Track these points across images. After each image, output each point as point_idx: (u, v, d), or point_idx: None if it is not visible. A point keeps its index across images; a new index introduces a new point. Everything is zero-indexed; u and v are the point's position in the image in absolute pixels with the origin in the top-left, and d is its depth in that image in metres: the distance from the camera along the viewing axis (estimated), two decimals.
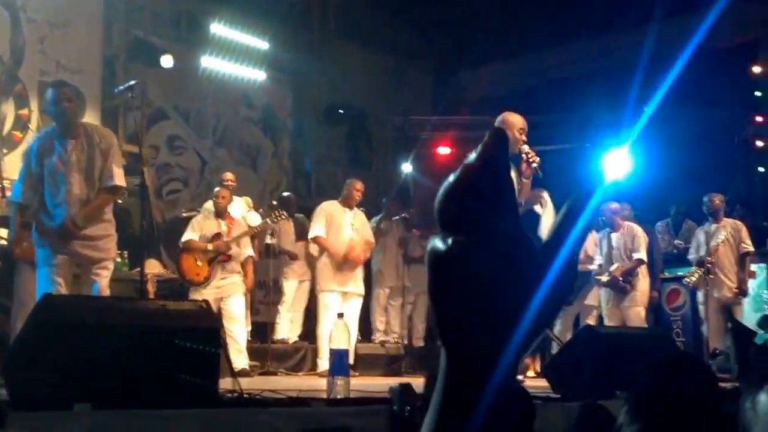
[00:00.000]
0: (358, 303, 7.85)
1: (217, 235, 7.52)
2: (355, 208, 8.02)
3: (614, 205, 8.41)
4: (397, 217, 9.87)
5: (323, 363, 7.25)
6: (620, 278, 8.06)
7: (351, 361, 7.27)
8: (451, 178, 0.73)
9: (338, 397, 4.10)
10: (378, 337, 9.72)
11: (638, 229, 8.27)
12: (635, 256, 8.08)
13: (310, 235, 7.89)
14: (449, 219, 0.71)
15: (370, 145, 12.32)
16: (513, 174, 5.89)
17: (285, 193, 9.95)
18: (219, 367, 3.78)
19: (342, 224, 7.77)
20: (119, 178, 5.31)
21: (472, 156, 0.72)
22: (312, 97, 11.66)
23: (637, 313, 8.03)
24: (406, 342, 9.73)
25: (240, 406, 3.71)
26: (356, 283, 7.77)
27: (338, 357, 4.18)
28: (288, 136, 11.83)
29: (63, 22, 9.03)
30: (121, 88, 6.14)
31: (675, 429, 1.89)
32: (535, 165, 5.73)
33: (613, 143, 9.85)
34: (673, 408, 1.90)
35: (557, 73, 11.78)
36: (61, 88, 5.38)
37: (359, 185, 7.97)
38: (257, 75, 10.67)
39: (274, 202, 9.37)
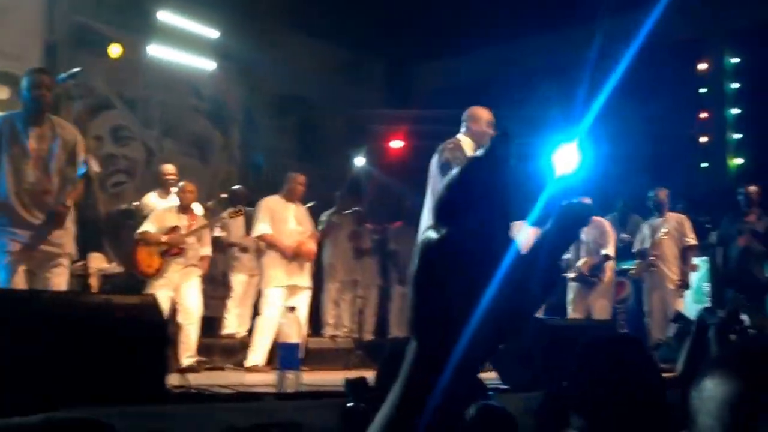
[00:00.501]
0: (306, 297, 7.74)
1: (174, 228, 7.37)
2: (297, 202, 7.86)
3: (586, 200, 8.51)
4: (348, 211, 9.84)
5: (254, 357, 7.18)
6: (587, 273, 8.16)
7: (301, 355, 7.25)
8: (455, 171, 0.74)
9: (289, 391, 4.05)
10: (328, 331, 9.68)
11: (607, 224, 8.41)
12: (603, 251, 8.22)
13: (255, 233, 7.70)
14: (447, 210, 0.73)
15: (322, 138, 12.23)
16: None
17: (235, 186, 9.83)
18: (166, 362, 3.70)
19: (286, 219, 7.63)
20: (95, 165, 5.25)
21: (478, 152, 0.74)
22: (263, 88, 11.52)
23: (603, 306, 8.19)
24: (356, 336, 9.71)
25: (189, 402, 3.64)
26: (304, 277, 7.65)
27: (288, 351, 4.14)
28: (238, 127, 11.66)
29: (1, 6, 8.76)
30: (64, 75, 5.99)
31: (621, 417, 1.89)
32: None
33: (563, 138, 9.97)
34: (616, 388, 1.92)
35: (508, 68, 11.83)
36: (41, 75, 5.26)
37: (302, 179, 7.83)
38: (206, 65, 10.49)
39: (224, 195, 9.24)
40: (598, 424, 1.95)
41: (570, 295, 8.43)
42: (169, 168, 8.67)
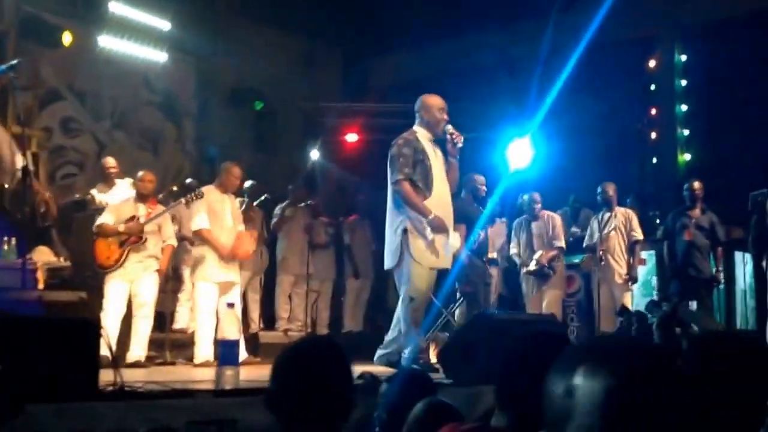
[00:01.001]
0: (236, 292, 7.58)
1: (132, 218, 7.27)
2: (231, 195, 7.69)
3: (536, 195, 8.63)
4: (302, 204, 9.81)
5: (201, 353, 7.10)
6: (546, 264, 8.34)
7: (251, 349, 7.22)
8: None
9: (226, 387, 4.03)
10: (282, 324, 9.67)
11: (558, 218, 8.63)
12: (556, 243, 8.41)
13: (193, 227, 7.45)
14: None
15: (277, 131, 12.17)
16: (439, 155, 5.94)
17: (188, 180, 9.73)
18: (98, 359, 3.67)
19: (222, 212, 7.43)
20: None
21: None
22: (216, 80, 11.42)
23: (556, 296, 8.39)
24: (309, 330, 9.69)
25: (121, 400, 3.60)
26: (235, 272, 7.46)
27: (227, 347, 4.12)
28: (191, 120, 11.55)
29: None
30: (3, 67, 5.87)
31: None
32: (459, 144, 5.80)
33: (516, 133, 10.04)
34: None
35: (463, 63, 11.87)
36: None
37: (237, 171, 7.61)
38: (158, 56, 10.36)
39: (174, 188, 9.15)
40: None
41: (526, 290, 8.52)
42: (110, 161, 8.57)
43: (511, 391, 2.00)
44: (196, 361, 7.10)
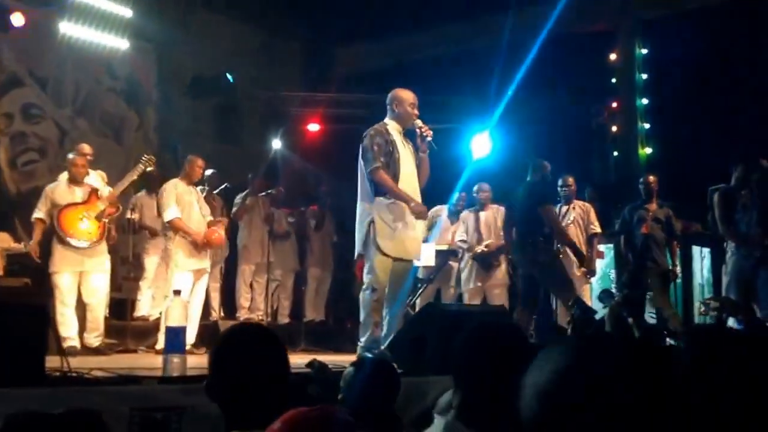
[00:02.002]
0: (206, 279, 7.78)
1: (94, 193, 7.22)
2: (195, 186, 7.83)
3: (485, 185, 8.67)
4: (263, 194, 9.81)
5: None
6: (494, 251, 8.36)
7: (193, 338, 7.22)
8: None
9: (173, 374, 4.05)
10: (242, 314, 9.67)
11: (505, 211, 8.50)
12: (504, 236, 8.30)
13: (166, 218, 7.52)
14: None
15: (239, 120, 12.14)
16: (409, 148, 5.99)
17: (149, 168, 9.70)
18: (46, 345, 3.68)
19: (191, 203, 7.58)
20: None
21: None
22: (178, 69, 11.36)
23: (501, 292, 8.37)
24: (270, 319, 9.71)
25: (66, 385, 3.62)
26: (206, 261, 7.64)
27: (174, 334, 4.14)
28: (153, 108, 11.50)
29: None
30: None
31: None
32: (429, 139, 5.86)
33: (477, 125, 10.12)
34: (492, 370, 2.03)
35: (425, 54, 11.91)
36: None
37: (201, 162, 7.76)
38: (120, 43, 10.29)
39: (135, 177, 9.10)
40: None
41: (465, 278, 8.54)
42: (86, 148, 8.31)
43: (465, 374, 2.09)
44: (158, 347, 7.08)
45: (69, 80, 10.49)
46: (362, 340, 5.77)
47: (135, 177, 7.73)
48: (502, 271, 8.49)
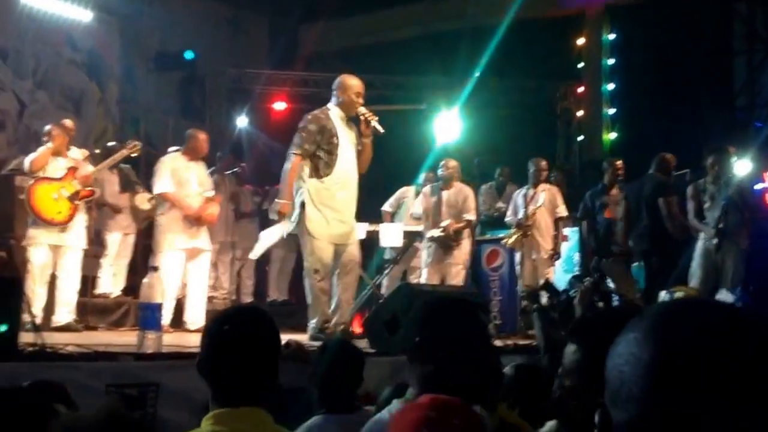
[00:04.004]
0: (207, 258, 7.50)
1: (71, 171, 6.97)
2: (199, 161, 7.56)
3: (453, 163, 8.49)
4: (228, 172, 9.71)
5: (192, 319, 7.08)
6: (452, 234, 8.16)
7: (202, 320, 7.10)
8: None
9: (148, 351, 4.00)
10: (207, 292, 9.57)
11: (469, 191, 8.40)
12: (466, 216, 8.22)
13: (156, 190, 7.33)
14: None
15: (203, 96, 11.99)
16: (353, 134, 6.03)
17: (110, 143, 9.53)
18: (19, 320, 3.60)
19: (188, 179, 7.31)
20: None
21: None
22: (142, 42, 11.17)
23: (457, 272, 8.20)
24: (234, 297, 9.65)
25: (41, 360, 3.56)
26: (203, 239, 7.35)
27: (150, 311, 4.09)
28: (116, 81, 11.29)
29: None
30: None
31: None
32: (373, 123, 5.88)
33: (444, 106, 10.13)
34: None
35: (393, 35, 11.87)
36: None
37: (203, 135, 7.54)
38: (82, 15, 10.07)
39: (97, 151, 8.94)
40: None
41: (425, 258, 8.41)
42: (68, 123, 8.06)
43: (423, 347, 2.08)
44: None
45: (29, 52, 10.28)
46: (312, 322, 5.85)
47: (117, 160, 7.52)
48: (462, 251, 8.33)
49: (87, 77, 11.01)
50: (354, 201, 6.07)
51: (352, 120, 6.05)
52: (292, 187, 5.86)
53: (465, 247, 8.36)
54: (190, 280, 7.32)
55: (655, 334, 0.93)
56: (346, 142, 5.92)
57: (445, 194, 8.39)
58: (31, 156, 6.97)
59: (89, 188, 7.11)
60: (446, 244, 8.24)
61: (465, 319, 2.11)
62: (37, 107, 10.05)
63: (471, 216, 8.30)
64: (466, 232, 8.38)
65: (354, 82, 6.01)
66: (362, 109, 5.94)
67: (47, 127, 7.25)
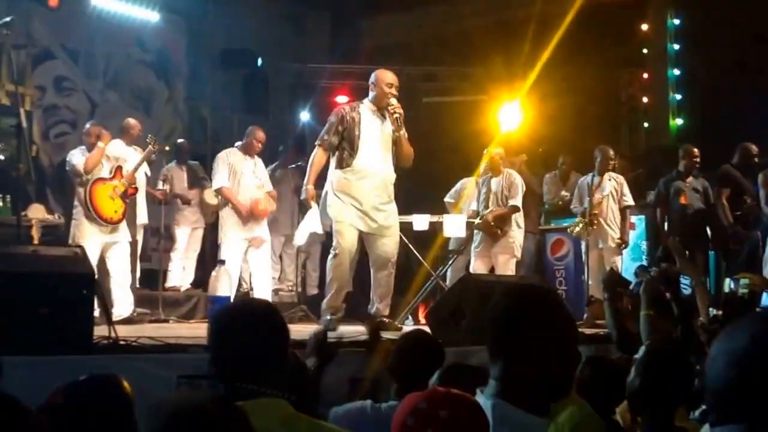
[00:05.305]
0: (267, 248, 7.73)
1: (119, 169, 7.26)
2: (256, 157, 7.82)
3: (495, 150, 8.39)
4: (293, 166, 9.83)
5: None
6: (492, 222, 8.09)
7: None
8: None
9: None
10: (272, 285, 9.72)
11: (517, 177, 8.29)
12: (511, 202, 8.13)
13: (214, 185, 7.65)
14: None
15: (267, 92, 12.14)
16: (385, 127, 6.11)
17: (179, 140, 9.79)
18: (92, 314, 3.74)
19: (244, 174, 7.58)
20: None
21: None
22: (207, 41, 11.37)
23: (505, 261, 8.09)
24: (300, 290, 9.76)
25: (114, 353, 3.68)
26: (263, 229, 7.63)
27: (219, 303, 4.18)
28: (183, 80, 11.54)
29: None
30: None
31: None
32: (396, 116, 5.97)
33: (507, 96, 10.05)
34: None
35: (454, 26, 11.84)
36: None
37: (261, 134, 7.77)
38: (150, 16, 10.32)
39: (167, 148, 9.17)
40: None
41: (473, 246, 8.34)
42: (134, 122, 8.35)
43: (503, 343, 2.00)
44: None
45: (100, 53, 10.56)
46: (325, 301, 6.15)
47: (145, 159, 7.74)
48: (508, 240, 8.18)
49: (155, 76, 11.28)
50: (383, 193, 6.12)
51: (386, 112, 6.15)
52: (314, 175, 6.18)
53: (513, 236, 8.21)
54: (254, 270, 7.55)
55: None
56: (374, 134, 6.04)
57: (493, 182, 8.33)
58: (85, 156, 7.20)
59: (134, 186, 7.35)
60: (491, 232, 8.19)
61: (553, 309, 2.00)
62: (107, 107, 10.34)
63: (515, 202, 8.18)
64: (514, 221, 8.27)
65: (386, 75, 6.15)
66: (393, 101, 6.04)
67: (89, 126, 7.50)
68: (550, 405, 1.93)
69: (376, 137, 6.06)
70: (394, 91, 6.06)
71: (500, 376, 1.91)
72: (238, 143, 8.06)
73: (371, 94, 6.15)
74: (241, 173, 7.57)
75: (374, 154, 6.03)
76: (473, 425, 1.67)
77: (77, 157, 7.20)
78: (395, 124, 6.07)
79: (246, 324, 2.10)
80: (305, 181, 6.30)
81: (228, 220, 7.48)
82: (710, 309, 4.73)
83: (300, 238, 6.96)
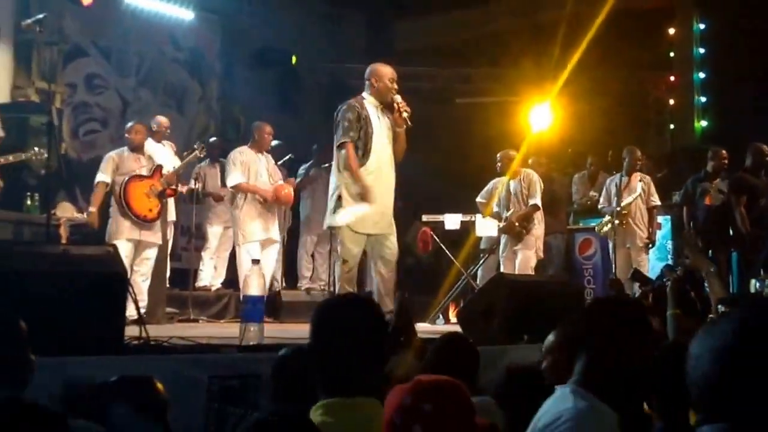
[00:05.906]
0: (275, 249, 7.81)
1: (158, 169, 7.30)
2: (266, 153, 7.82)
3: (512, 152, 8.37)
4: (326, 165, 9.79)
5: None
6: (517, 223, 8.10)
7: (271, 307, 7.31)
8: None
9: (250, 343, 4.08)
10: (304, 284, 9.72)
11: (535, 176, 8.31)
12: (531, 201, 8.14)
13: (230, 183, 7.64)
14: None
15: (301, 92, 12.15)
16: (386, 123, 5.99)
17: (212, 138, 9.80)
18: (125, 314, 3.73)
19: (258, 171, 7.64)
20: None
21: None
22: (241, 40, 11.41)
23: (526, 257, 8.08)
24: (331, 289, 9.75)
25: (146, 353, 3.67)
26: (276, 230, 7.71)
27: (252, 303, 4.17)
28: (216, 79, 11.57)
29: None
30: (28, 21, 5.86)
31: None
32: (405, 114, 5.81)
33: (538, 97, 10.05)
34: None
35: (487, 29, 11.87)
36: None
37: (269, 127, 7.80)
38: (184, 14, 10.36)
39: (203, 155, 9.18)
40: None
41: (502, 243, 8.32)
42: (164, 120, 8.43)
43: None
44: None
45: (132, 51, 10.57)
46: None
47: (190, 161, 7.80)
48: (531, 237, 8.17)
49: (189, 75, 11.30)
50: (389, 191, 5.97)
51: (387, 108, 5.99)
52: (359, 172, 5.73)
53: (536, 232, 8.24)
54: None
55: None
56: (380, 131, 5.87)
57: (512, 184, 8.34)
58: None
59: (173, 187, 7.38)
60: (516, 233, 8.16)
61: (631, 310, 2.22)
62: (140, 105, 10.36)
63: (535, 200, 8.18)
64: (537, 218, 8.28)
65: (387, 69, 5.95)
66: (398, 97, 5.84)
67: (133, 124, 7.54)
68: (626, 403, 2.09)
69: (384, 135, 5.87)
70: (396, 85, 5.89)
71: (582, 370, 2.09)
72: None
73: (371, 88, 5.90)
74: (257, 170, 7.63)
75: (383, 152, 5.86)
76: (459, 413, 1.74)
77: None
78: (402, 121, 5.92)
79: (347, 319, 2.12)
80: (358, 179, 5.79)
81: (244, 220, 7.49)
82: (719, 306, 4.64)
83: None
